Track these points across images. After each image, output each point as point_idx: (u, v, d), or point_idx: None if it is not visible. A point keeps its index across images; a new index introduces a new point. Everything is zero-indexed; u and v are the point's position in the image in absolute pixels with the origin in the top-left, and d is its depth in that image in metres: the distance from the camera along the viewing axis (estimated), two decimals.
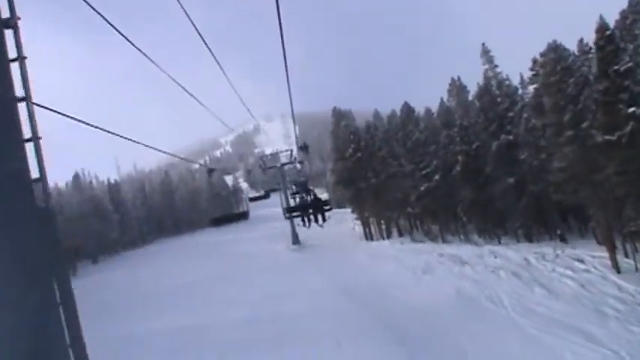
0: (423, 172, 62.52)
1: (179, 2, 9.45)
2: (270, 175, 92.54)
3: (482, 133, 56.84)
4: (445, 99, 73.54)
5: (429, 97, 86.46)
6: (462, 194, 58.64)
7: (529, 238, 55.18)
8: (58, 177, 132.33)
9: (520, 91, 58.24)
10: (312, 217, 37.60)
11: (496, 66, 60.13)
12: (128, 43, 9.54)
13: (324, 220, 37.77)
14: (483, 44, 61.18)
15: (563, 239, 51.43)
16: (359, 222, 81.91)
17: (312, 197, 38.11)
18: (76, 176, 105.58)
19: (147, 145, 11.81)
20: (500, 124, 54.88)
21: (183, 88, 14.47)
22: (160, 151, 14.35)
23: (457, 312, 32.02)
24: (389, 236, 72.88)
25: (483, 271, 41.41)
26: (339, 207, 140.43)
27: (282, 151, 67.08)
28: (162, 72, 12.82)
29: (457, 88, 70.79)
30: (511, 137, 53.38)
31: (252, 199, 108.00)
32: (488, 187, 55.57)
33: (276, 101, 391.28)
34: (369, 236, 74.07)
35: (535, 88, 50.13)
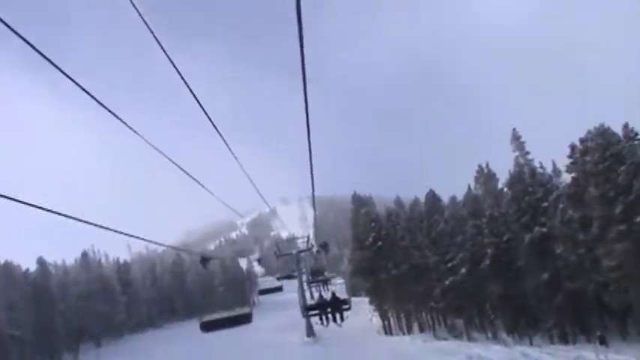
0: (449, 264, 58.78)
1: (193, 93, 8.63)
2: (284, 261, 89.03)
3: (513, 225, 53.27)
4: (472, 187, 70.15)
5: (453, 184, 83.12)
6: (490, 289, 54.80)
7: (564, 339, 50.92)
8: (66, 255, 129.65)
9: (554, 180, 54.77)
10: (329, 315, 35.85)
11: (527, 153, 56.92)
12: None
13: (342, 319, 36.06)
14: (514, 129, 58.32)
15: (603, 342, 46.99)
16: (377, 313, 77.83)
17: (331, 296, 37.11)
18: (84, 254, 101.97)
19: (131, 235, 11.55)
20: (533, 215, 51.32)
21: (193, 178, 14.21)
22: (150, 241, 13.92)
23: None
24: (409, 331, 68.59)
25: None
26: (355, 295, 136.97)
27: (298, 238, 63.29)
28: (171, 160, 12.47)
29: (485, 175, 67.41)
30: (545, 229, 49.79)
31: (263, 292, 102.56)
32: (520, 282, 51.76)
33: (294, 184, 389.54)
34: (387, 330, 69.77)
35: (573, 177, 46.83)
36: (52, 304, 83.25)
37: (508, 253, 52.91)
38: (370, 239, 67.33)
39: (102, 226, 9.89)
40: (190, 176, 13.76)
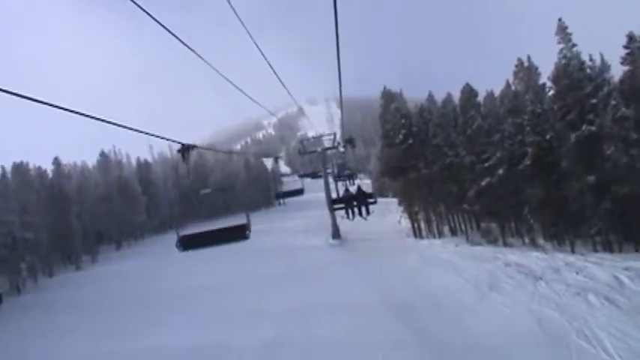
0: (485, 164, 54.34)
1: None
2: (310, 161, 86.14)
3: (557, 123, 48.51)
4: (511, 83, 64.77)
5: (490, 81, 77.89)
6: (529, 192, 50.67)
7: (609, 248, 46.93)
8: (88, 157, 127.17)
9: (604, 75, 49.60)
10: (355, 210, 37.90)
11: (574, 45, 51.43)
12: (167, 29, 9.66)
13: (368, 213, 38.21)
14: (560, 20, 52.57)
15: None
16: (405, 215, 74.43)
17: (357, 189, 38.48)
18: (103, 155, 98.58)
19: (149, 134, 10.80)
20: (580, 113, 46.40)
21: (222, 75, 14.73)
22: (168, 139, 12.65)
23: (545, 355, 24.30)
24: (440, 234, 65.15)
25: (565, 292, 33.29)
26: (382, 196, 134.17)
27: (324, 135, 59.77)
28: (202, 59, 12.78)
29: (526, 69, 61.92)
30: (594, 128, 45.06)
31: (280, 195, 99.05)
32: (563, 185, 47.50)
33: (321, 84, 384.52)
34: (417, 233, 66.35)
35: (629, 70, 41.87)
36: (68, 206, 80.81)
37: (551, 154, 48.46)
38: (400, 136, 63.08)
39: (121, 125, 9.55)
40: (219, 73, 14.07)
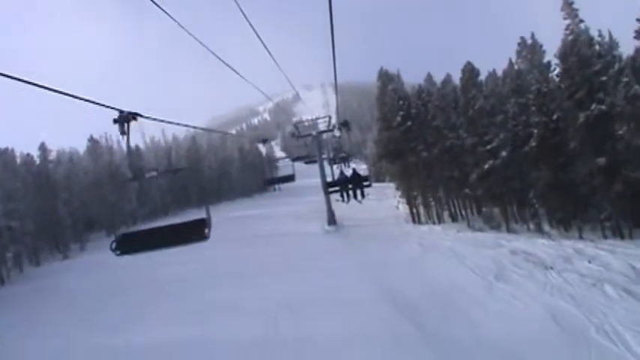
0: (488, 146, 51.68)
1: None
2: (307, 145, 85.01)
3: (565, 102, 45.88)
4: (514, 62, 61.97)
5: (490, 61, 74.86)
6: (535, 175, 48.18)
7: (619, 234, 44.41)
8: (79, 143, 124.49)
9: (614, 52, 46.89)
10: (350, 192, 38.07)
11: (581, 21, 48.78)
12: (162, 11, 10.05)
13: (362, 196, 38.22)
14: None
15: None
16: (403, 200, 71.98)
17: (352, 172, 38.50)
18: (92, 140, 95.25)
19: (147, 117, 10.23)
20: (589, 91, 43.75)
21: (219, 58, 15.05)
22: (162, 121, 11.61)
23: (562, 353, 21.79)
24: (440, 220, 62.68)
25: (579, 282, 30.81)
26: (379, 181, 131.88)
27: (319, 118, 57.99)
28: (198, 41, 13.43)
29: (530, 47, 59.14)
30: (604, 107, 42.47)
31: (270, 182, 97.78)
32: (570, 168, 45.01)
33: (317, 70, 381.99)
34: (416, 219, 63.84)
35: None
36: (55, 193, 78.06)
37: (558, 135, 45.90)
38: (398, 118, 60.46)
39: (112, 107, 9.41)
40: (217, 56, 14.37)
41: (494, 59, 72.30)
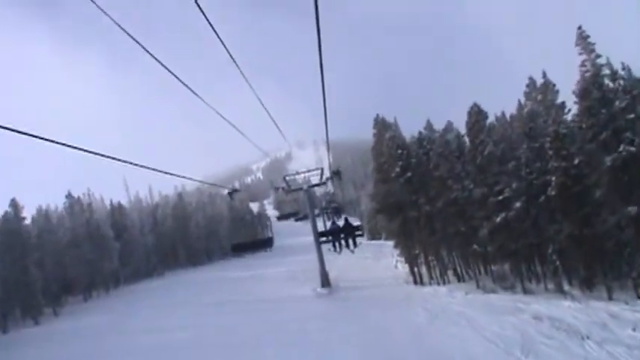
0: (499, 197, 45.89)
1: (212, 28, 9.47)
2: (300, 202, 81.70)
3: (587, 145, 40.54)
4: (523, 104, 56.59)
5: (493, 107, 69.65)
6: (553, 228, 42.65)
7: None
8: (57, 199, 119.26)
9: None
10: (343, 242, 39.15)
11: (599, 56, 43.69)
12: (150, 65, 11.06)
13: (355, 245, 39.78)
14: (580, 28, 45.00)
15: None
16: (402, 259, 66.46)
17: (344, 221, 39.54)
18: (70, 196, 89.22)
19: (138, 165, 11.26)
20: (615, 131, 38.46)
21: (217, 112, 15.78)
22: (159, 171, 13.24)
23: None
24: (444, 280, 56.89)
25: (628, 357, 25.17)
26: (375, 238, 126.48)
27: (311, 170, 54.35)
28: (192, 97, 13.91)
29: (542, 87, 53.80)
30: (633, 149, 37.14)
31: (239, 247, 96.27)
32: (595, 219, 39.55)
33: (309, 128, 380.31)
34: (418, 279, 58.02)
35: None
36: (27, 253, 72.09)
37: (580, 182, 40.45)
38: (397, 169, 54.92)
39: (97, 153, 9.52)
40: (213, 108, 15.27)
41: (498, 104, 67.76)
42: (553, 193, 41.63)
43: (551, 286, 45.55)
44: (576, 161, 40.82)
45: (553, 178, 41.81)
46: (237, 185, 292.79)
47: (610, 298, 38.93)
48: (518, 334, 30.33)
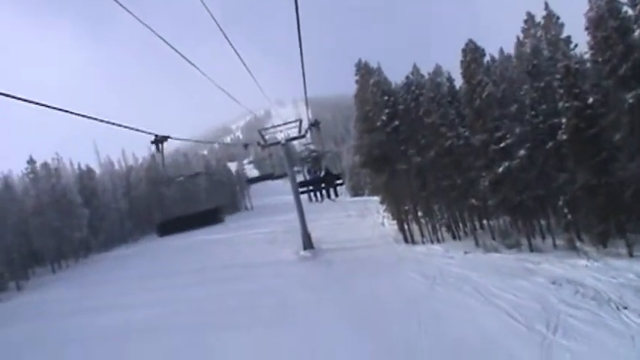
0: (501, 144, 40.65)
1: None
2: (280, 160, 77.49)
3: (602, 81, 35.33)
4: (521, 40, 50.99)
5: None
6: (563, 177, 37.74)
7: None
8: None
9: None
10: (324, 192, 37.44)
11: None
12: (128, 25, 9.09)
13: (336, 194, 37.95)
14: None
15: None
16: (389, 215, 61.78)
17: (325, 171, 37.87)
18: (31, 161, 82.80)
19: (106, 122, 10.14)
20: (635, 65, 33.21)
21: (195, 66, 15.16)
22: (132, 129, 11.42)
23: None
24: (438, 238, 52.02)
25: None
26: (357, 195, 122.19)
27: (288, 122, 48.92)
28: (172, 54, 13.75)
29: (546, 19, 47.87)
30: None
31: (251, 180, 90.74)
32: (612, 166, 34.60)
33: (288, 86, 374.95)
34: (409, 238, 53.11)
35: None
36: None
37: (596, 124, 35.38)
38: (383, 117, 49.64)
39: (63, 110, 8.40)
40: (193, 64, 14.63)
41: (492, 43, 62.47)
42: (564, 137, 36.63)
43: (559, 242, 40.67)
44: (590, 100, 35.68)
45: (563, 121, 36.73)
46: (216, 146, 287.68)
47: (631, 255, 34.17)
48: (537, 303, 25.52)
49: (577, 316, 23.23)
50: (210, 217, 36.63)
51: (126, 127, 9.63)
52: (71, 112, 8.52)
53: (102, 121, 9.87)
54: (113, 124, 10.35)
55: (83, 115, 9.19)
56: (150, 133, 11.85)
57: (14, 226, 72.72)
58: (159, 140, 12.86)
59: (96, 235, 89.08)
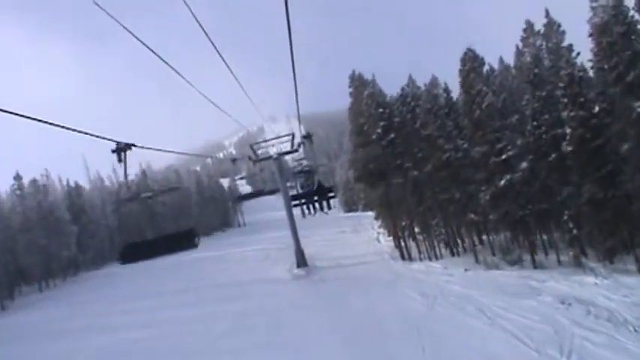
0: (502, 156, 39.02)
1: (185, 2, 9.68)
2: (272, 174, 76.82)
3: (609, 89, 33.83)
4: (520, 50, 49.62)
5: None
6: (567, 191, 36.19)
7: None
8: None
9: None
10: (317, 206, 37.64)
11: None
12: (125, 44, 8.09)
13: (329, 207, 38.01)
14: None
15: None
16: (384, 232, 60.39)
17: (317, 184, 38.17)
18: (18, 177, 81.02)
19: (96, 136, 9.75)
20: None
21: (194, 87, 15.84)
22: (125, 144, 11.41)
23: None
24: (436, 255, 50.44)
25: None
26: (351, 210, 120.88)
27: (281, 136, 49.69)
28: (166, 72, 8.15)
29: (546, 28, 46.43)
30: None
31: (242, 197, 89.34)
32: (619, 178, 33.05)
33: (281, 102, 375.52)
34: (406, 254, 51.52)
35: None
36: None
37: (601, 133, 33.85)
38: (379, 130, 48.32)
39: (54, 124, 8.00)
40: (189, 82, 15.11)
41: (490, 54, 61.27)
42: (568, 148, 35.05)
43: (564, 258, 39.04)
44: (596, 109, 34.16)
45: (567, 131, 35.19)
46: (209, 161, 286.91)
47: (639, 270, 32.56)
48: (547, 325, 23.84)
49: (592, 339, 21.51)
50: (183, 241, 32.72)
51: (86, 133, 8.34)
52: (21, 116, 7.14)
53: (60, 126, 8.41)
54: (69, 129, 8.33)
55: (40, 120, 7.74)
56: (110, 140, 10.68)
57: (0, 243, 70.91)
58: (121, 149, 11.22)
59: (85, 253, 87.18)
